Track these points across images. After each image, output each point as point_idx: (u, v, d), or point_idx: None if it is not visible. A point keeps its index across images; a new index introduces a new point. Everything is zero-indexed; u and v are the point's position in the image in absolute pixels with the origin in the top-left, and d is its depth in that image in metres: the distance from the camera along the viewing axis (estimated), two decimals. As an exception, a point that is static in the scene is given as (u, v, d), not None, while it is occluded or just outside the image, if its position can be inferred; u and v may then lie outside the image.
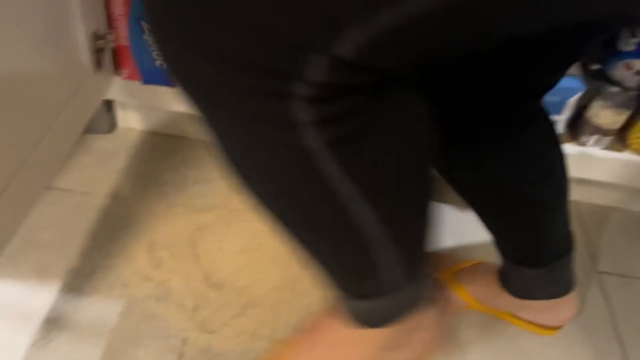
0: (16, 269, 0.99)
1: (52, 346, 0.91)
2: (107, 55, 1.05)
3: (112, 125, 1.27)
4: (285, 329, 0.98)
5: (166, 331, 0.95)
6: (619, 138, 1.08)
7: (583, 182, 1.14)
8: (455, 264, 0.99)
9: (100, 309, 0.96)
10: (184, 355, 0.92)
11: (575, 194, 1.17)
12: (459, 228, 1.11)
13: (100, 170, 1.18)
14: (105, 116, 1.24)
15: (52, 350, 0.90)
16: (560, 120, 1.05)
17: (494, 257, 0.86)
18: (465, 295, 0.93)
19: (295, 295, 1.02)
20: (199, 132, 1.25)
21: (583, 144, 1.07)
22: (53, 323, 0.93)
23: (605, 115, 1.01)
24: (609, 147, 1.07)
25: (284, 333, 0.97)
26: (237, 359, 0.93)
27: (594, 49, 1.05)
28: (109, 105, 1.24)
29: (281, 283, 1.02)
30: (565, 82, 0.93)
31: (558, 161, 0.72)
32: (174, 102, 1.12)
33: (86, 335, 0.93)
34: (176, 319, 0.96)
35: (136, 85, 1.13)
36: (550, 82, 0.66)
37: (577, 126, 1.08)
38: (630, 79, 1.01)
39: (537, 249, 0.78)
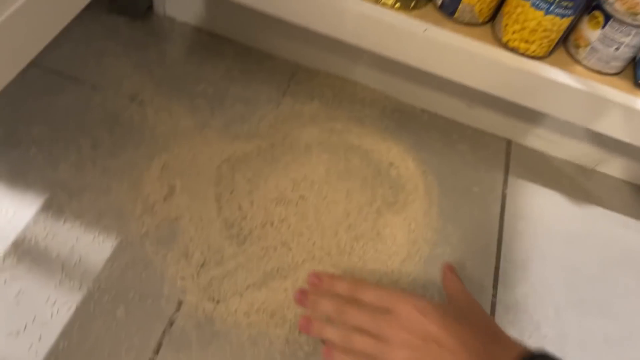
0: (-12, 166, 0.76)
1: (9, 276, 0.68)
2: None
3: (148, 10, 1.00)
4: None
5: (159, 287, 0.71)
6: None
7: None
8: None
9: (80, 240, 0.73)
10: (174, 324, 0.68)
11: None
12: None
13: (122, 62, 0.92)
14: (142, -4, 0.97)
15: (8, 281, 0.68)
16: None
17: None
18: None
19: (337, 273, 0.75)
20: (260, 38, 0.97)
21: None
22: (19, 247, 0.70)
23: None
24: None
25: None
26: (242, 346, 0.68)
27: None
28: (148, -17, 0.97)
29: (320, 253, 0.76)
30: None
31: None
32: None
33: (54, 272, 0.70)
34: (175, 273, 0.72)
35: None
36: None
37: None
38: None
39: None
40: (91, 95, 0.88)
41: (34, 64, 0.86)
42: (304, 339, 0.70)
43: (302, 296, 0.70)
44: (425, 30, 0.71)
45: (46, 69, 0.89)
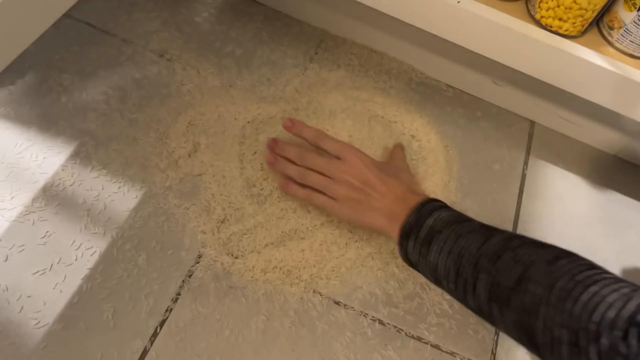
0: (20, 113, 0.78)
1: (37, 218, 0.70)
2: None
3: (181, -31, 1.00)
4: (330, 279, 0.73)
5: (180, 239, 0.73)
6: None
7: None
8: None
9: (105, 188, 0.74)
10: (193, 276, 0.70)
11: None
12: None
13: (152, 18, 0.93)
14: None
15: (36, 222, 0.70)
16: None
17: None
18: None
19: (354, 238, 0.76)
20: (289, 3, 0.97)
21: None
22: (47, 191, 0.72)
23: None
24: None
25: (328, 285, 0.73)
26: (257, 300, 0.70)
27: None
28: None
29: (338, 220, 0.76)
30: None
31: None
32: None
33: (80, 218, 0.72)
34: (196, 226, 0.73)
35: None
36: None
37: None
38: None
39: None
40: (121, 49, 0.88)
41: (67, 15, 0.87)
42: (317, 299, 0.72)
43: (273, 143, 0.76)
44: (459, 1, 0.71)
45: (79, 21, 0.90)
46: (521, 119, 0.97)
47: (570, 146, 0.96)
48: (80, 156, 0.76)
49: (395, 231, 0.64)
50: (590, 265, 0.50)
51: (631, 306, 0.43)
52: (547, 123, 0.97)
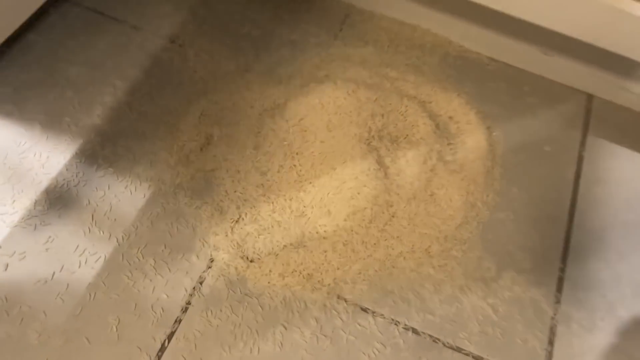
0: (24, 109, 0.74)
1: (39, 222, 0.66)
2: None
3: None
4: (356, 283, 0.66)
5: (190, 242, 0.66)
6: None
7: None
8: None
9: (111, 188, 0.69)
10: (205, 282, 0.64)
11: None
12: None
13: (163, 2, 0.86)
14: None
15: (38, 227, 0.65)
16: None
17: None
18: None
19: (383, 236, 0.68)
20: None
21: None
22: (50, 193, 0.68)
23: None
24: None
25: (354, 289, 0.65)
26: (274, 308, 0.63)
27: None
28: None
29: (365, 221, 0.68)
30: None
31: None
32: None
33: (84, 220, 0.67)
34: (208, 227, 0.67)
35: None
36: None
37: None
38: None
39: None
40: (131, 36, 0.83)
41: (74, 2, 0.82)
42: (342, 306, 0.64)
43: None
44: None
45: (87, 9, 0.85)
46: (576, 93, 0.85)
47: (636, 122, 0.84)
48: (86, 154, 0.71)
49: None
50: None
51: None
52: (608, 96, 0.85)
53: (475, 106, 0.80)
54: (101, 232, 0.66)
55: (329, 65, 0.80)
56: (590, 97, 0.85)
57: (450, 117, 0.79)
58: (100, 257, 0.64)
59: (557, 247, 0.71)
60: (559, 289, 0.69)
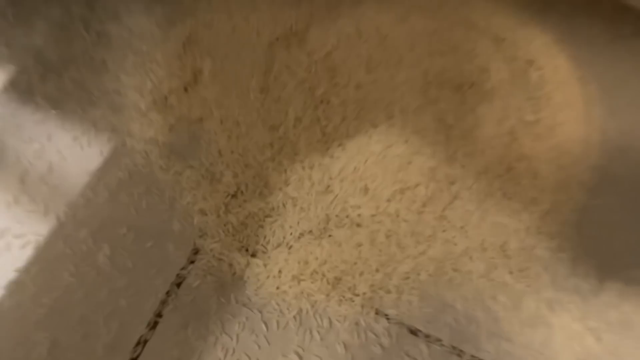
0: None
1: None
2: None
3: None
4: (403, 292, 0.46)
5: (165, 222, 0.47)
6: None
7: None
8: None
9: (54, 137, 0.50)
10: (184, 283, 0.45)
11: None
12: None
13: None
14: None
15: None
16: None
17: None
18: None
19: (441, 225, 0.49)
20: None
21: None
22: None
23: None
24: None
25: (399, 302, 0.46)
26: (285, 327, 0.45)
27: None
28: None
29: (417, 204, 0.48)
30: None
31: None
32: None
33: (9, 185, 0.46)
34: (192, 202, 0.48)
35: None
36: None
37: None
38: None
39: None
40: None
41: None
42: (382, 325, 0.45)
43: None
44: None
45: None
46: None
47: None
48: (19, 88, 0.51)
49: None
50: None
51: None
52: None
53: (565, 49, 0.60)
54: (34, 205, 0.46)
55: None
56: None
57: (531, 62, 0.59)
58: (28, 241, 0.45)
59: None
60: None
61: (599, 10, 0.66)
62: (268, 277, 0.46)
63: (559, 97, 0.58)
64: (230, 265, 0.46)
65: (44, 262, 0.44)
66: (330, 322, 0.46)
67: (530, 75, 0.59)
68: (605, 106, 0.60)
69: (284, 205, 0.49)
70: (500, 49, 0.58)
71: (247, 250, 0.47)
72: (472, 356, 0.46)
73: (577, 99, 0.58)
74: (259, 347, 0.44)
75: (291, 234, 0.48)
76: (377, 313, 0.47)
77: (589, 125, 0.57)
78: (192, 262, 0.46)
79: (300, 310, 0.45)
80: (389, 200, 0.49)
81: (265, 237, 0.47)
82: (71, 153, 0.49)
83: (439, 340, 0.47)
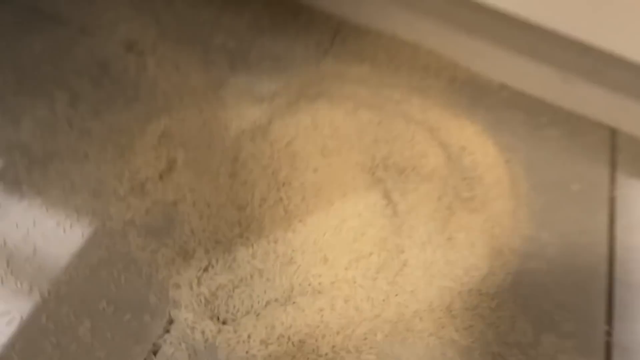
0: None
1: None
2: None
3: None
4: (362, 352, 0.51)
5: (143, 296, 0.51)
6: None
7: None
8: None
9: (38, 224, 0.52)
10: (160, 352, 0.47)
11: None
12: None
13: (121, 2, 0.72)
14: None
15: None
16: None
17: None
18: None
19: (393, 290, 0.54)
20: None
21: None
22: None
23: None
24: None
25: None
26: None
27: None
28: None
29: (365, 263, 0.54)
30: None
31: None
32: None
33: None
34: (167, 277, 0.51)
35: None
36: None
37: None
38: None
39: None
40: (77, 40, 0.68)
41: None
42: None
43: None
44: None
45: (21, 6, 0.69)
46: (598, 126, 0.75)
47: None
48: (6, 179, 0.55)
49: None
50: None
51: None
52: (635, 130, 0.74)
53: (492, 136, 0.69)
54: (19, 284, 0.49)
55: (321, 83, 0.67)
56: (614, 132, 0.74)
57: (463, 147, 0.66)
58: (13, 318, 0.47)
59: (600, 305, 0.59)
60: (608, 356, 0.55)
61: (520, 104, 0.76)
62: (238, 342, 0.49)
63: (489, 177, 0.66)
64: (203, 332, 0.49)
65: (26, 338, 0.47)
66: (298, 384, 0.49)
67: (464, 159, 0.67)
68: (529, 184, 0.67)
69: (251, 276, 0.53)
70: (437, 137, 0.66)
71: (218, 318, 0.51)
72: (428, 409, 0.50)
73: (505, 178, 0.66)
74: (231, 409, 0.46)
75: (258, 302, 0.52)
76: (343, 373, 0.51)
77: (516, 200, 0.65)
78: (168, 331, 0.49)
79: (269, 372, 0.49)
80: (346, 269, 0.54)
81: (234, 306, 0.51)
82: (55, 236, 0.52)
83: (396, 395, 0.50)
